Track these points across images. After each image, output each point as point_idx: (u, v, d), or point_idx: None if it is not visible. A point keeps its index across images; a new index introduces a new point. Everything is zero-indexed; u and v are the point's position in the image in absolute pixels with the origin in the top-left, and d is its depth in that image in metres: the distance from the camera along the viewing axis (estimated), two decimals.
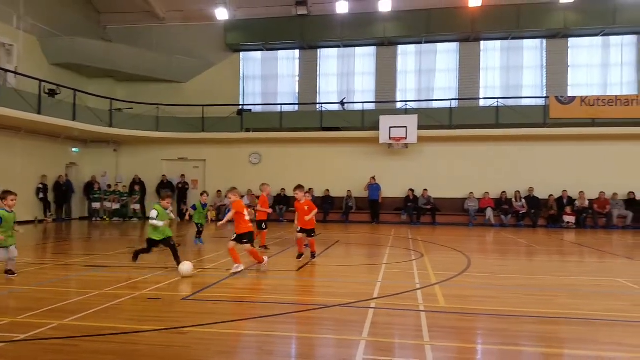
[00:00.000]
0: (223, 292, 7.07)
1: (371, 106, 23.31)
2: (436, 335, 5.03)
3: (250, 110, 24.13)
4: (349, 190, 22.00)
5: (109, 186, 22.92)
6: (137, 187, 22.89)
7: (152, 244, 8.75)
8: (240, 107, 24.08)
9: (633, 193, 19.97)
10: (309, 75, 24.50)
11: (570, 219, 19.77)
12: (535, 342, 4.99)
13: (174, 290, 7.07)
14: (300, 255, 10.20)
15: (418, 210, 21.09)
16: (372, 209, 21.50)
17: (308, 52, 24.47)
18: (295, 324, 5.58)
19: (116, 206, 22.52)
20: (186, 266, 8.13)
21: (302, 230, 10.16)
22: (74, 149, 22.91)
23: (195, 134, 22.88)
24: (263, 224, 11.82)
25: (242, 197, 22.18)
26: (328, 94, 24.38)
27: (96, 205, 22.44)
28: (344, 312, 5.94)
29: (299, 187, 10.30)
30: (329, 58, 24.56)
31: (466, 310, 6.14)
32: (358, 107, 23.31)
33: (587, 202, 20.01)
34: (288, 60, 24.95)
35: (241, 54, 25.03)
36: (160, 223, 8.52)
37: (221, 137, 22.83)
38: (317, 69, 24.48)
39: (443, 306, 6.29)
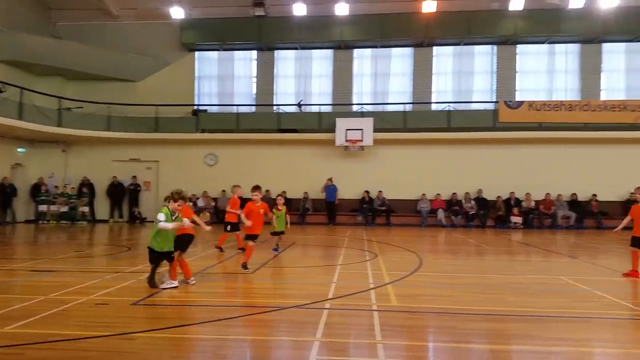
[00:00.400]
0: (174, 296, 6.94)
1: (328, 108, 23.47)
2: (388, 334, 5.13)
3: (205, 110, 23.81)
4: (305, 192, 22.05)
5: (57, 188, 22.08)
6: (85, 189, 22.14)
7: (154, 256, 7.32)
8: (196, 107, 23.72)
9: (576, 194, 20.95)
10: (266, 77, 24.42)
11: (517, 219, 20.52)
12: (484, 339, 5.16)
13: (123, 295, 6.89)
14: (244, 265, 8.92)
15: (373, 212, 21.38)
16: (328, 210, 21.63)
17: (265, 53, 24.39)
18: (249, 327, 5.56)
19: (64, 209, 21.70)
20: None
21: (249, 237, 9.04)
22: (19, 149, 21.91)
23: (148, 135, 22.35)
24: (228, 226, 11.64)
25: (194, 200, 21.88)
26: (285, 95, 24.37)
27: (43, 207, 21.53)
28: (299, 314, 5.96)
29: (257, 187, 9.45)
30: (286, 60, 24.55)
31: (417, 309, 6.29)
32: (315, 109, 23.43)
33: (533, 203, 20.83)
34: (245, 61, 24.78)
35: (197, 53, 24.66)
36: (169, 225, 7.15)
37: (175, 137, 22.41)
38: (274, 70, 24.43)
39: (395, 305, 6.42)
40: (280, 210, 11.65)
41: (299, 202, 22.04)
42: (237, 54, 24.68)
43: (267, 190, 22.17)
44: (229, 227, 11.61)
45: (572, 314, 6.14)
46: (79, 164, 23.01)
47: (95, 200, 22.53)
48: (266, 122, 22.80)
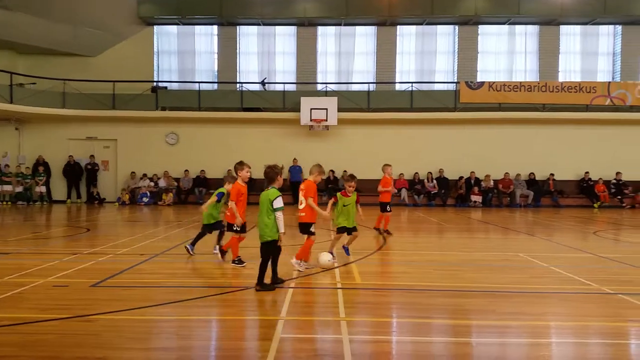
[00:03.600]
0: (136, 277, 6.81)
1: (292, 87, 23.25)
2: (352, 311, 5.19)
3: (165, 87, 23.17)
4: None
5: (8, 167, 21.19)
6: (41, 169, 21.33)
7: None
8: (155, 83, 23.04)
9: (534, 174, 21.61)
10: (228, 53, 23.91)
11: (477, 198, 21.04)
12: (445, 314, 5.29)
13: (83, 277, 6.71)
14: (237, 261, 7.66)
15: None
16: (293, 190, 21.56)
17: (227, 29, 23.84)
18: (213, 307, 5.52)
19: (19, 189, 20.88)
20: (325, 257, 7.32)
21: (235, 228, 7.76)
22: None
23: (105, 112, 21.62)
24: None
25: (155, 180, 21.44)
26: (248, 73, 23.97)
27: None
28: (263, 293, 5.95)
29: (243, 164, 8.13)
30: (249, 36, 24.10)
31: (381, 286, 6.38)
32: (279, 87, 23.15)
33: (492, 183, 21.38)
34: (206, 36, 24.17)
35: (155, 27, 23.87)
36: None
37: (134, 115, 21.75)
38: (237, 46, 23.94)
39: (359, 283, 6.50)
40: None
41: (262, 183, 21.89)
42: (198, 28, 24.05)
43: (228, 170, 21.94)
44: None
45: (529, 289, 6.36)
46: (34, 142, 22.10)
47: (51, 180, 21.75)
48: (229, 100, 22.40)
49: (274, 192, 6.10)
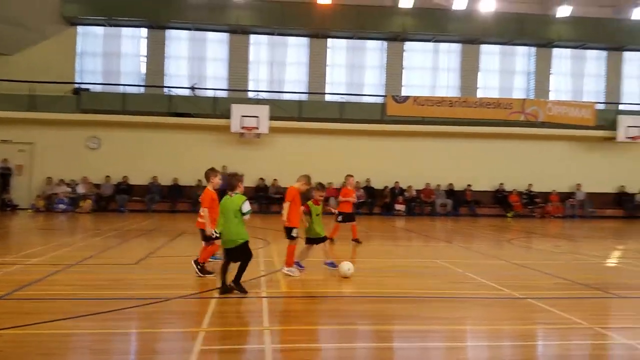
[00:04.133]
0: (47, 289, 6.42)
1: (223, 93, 22.96)
2: (276, 320, 5.20)
3: (88, 89, 22.12)
4: (199, 180, 21.42)
5: None
6: None
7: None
8: (77, 85, 21.93)
9: (452, 184, 22.67)
10: (156, 57, 23.22)
11: (401, 207, 21.76)
12: (368, 320, 5.42)
13: None
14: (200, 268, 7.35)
15: (268, 200, 21.41)
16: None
17: (156, 32, 23.18)
18: (132, 320, 5.32)
19: None
20: (345, 266, 7.29)
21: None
22: None
23: (21, 113, 20.25)
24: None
25: (73, 186, 20.36)
26: (177, 77, 23.41)
27: None
28: (185, 304, 5.82)
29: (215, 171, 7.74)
30: (179, 40, 23.57)
31: (306, 293, 6.43)
32: (210, 93, 22.78)
33: (415, 192, 22.21)
34: (133, 39, 23.36)
35: (79, 27, 22.76)
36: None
37: (53, 117, 20.53)
38: (165, 50, 23.33)
39: (284, 291, 6.51)
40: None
41: (192, 190, 21.38)
42: (125, 30, 23.20)
43: (154, 177, 21.27)
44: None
45: (448, 294, 6.66)
46: None
47: None
48: (156, 104, 21.73)
49: (239, 197, 6.35)
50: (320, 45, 23.78)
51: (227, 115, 21.18)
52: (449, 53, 24.55)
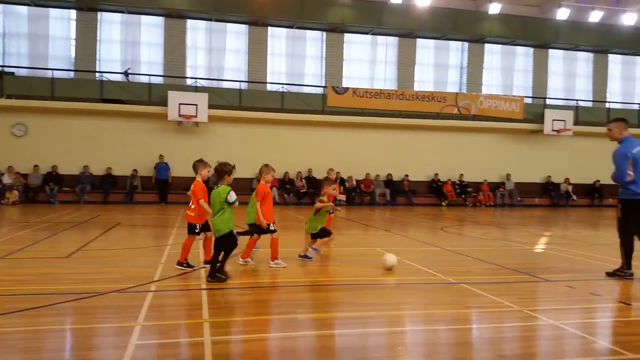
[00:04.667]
0: None
1: (159, 80, 22.25)
2: (216, 312, 5.14)
3: (12, 73, 20.76)
4: (134, 170, 20.71)
5: None
6: None
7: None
8: (0, 68, 20.50)
9: (391, 175, 23.23)
10: (87, 40, 22.12)
11: (341, 197, 22.02)
12: (308, 309, 5.48)
13: None
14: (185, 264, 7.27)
15: (209, 190, 21.00)
16: (159, 189, 20.66)
17: (86, 14, 22.06)
18: (64, 316, 5.08)
19: None
20: (390, 258, 7.37)
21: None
22: None
23: None
24: None
25: (2, 174, 19.16)
26: (110, 62, 22.45)
27: None
28: (120, 298, 5.63)
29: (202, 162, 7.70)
30: (111, 23, 22.56)
31: (246, 284, 6.40)
32: (144, 79, 21.99)
33: (355, 182, 22.58)
34: (62, 21, 22.13)
35: (1, 6, 21.26)
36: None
37: None
38: (97, 33, 22.25)
39: (224, 283, 6.43)
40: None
41: (126, 180, 20.64)
42: (53, 11, 21.91)
43: (85, 166, 20.35)
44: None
45: (385, 281, 6.85)
46: None
47: None
48: (87, 90, 20.74)
49: (225, 188, 6.56)
50: (261, 33, 23.52)
51: (163, 103, 20.57)
52: (387, 46, 25.00)
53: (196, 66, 23.29)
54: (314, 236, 8.22)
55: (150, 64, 22.75)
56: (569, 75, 27.08)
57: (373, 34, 24.61)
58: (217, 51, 23.43)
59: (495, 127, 24.11)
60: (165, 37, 22.87)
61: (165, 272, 7.00)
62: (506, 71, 26.48)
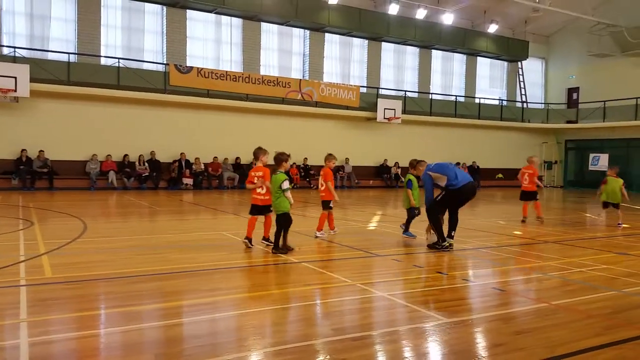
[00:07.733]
0: None
1: None
2: (37, 310, 4.63)
3: None
4: None
5: None
6: None
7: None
8: None
9: (239, 158, 23.13)
10: None
11: (188, 181, 21.38)
12: (150, 299, 5.23)
13: None
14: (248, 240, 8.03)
15: (32, 174, 18.70)
16: None
17: None
18: None
19: None
20: None
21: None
22: None
23: None
24: None
25: None
26: None
27: None
28: None
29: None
30: None
31: (76, 278, 5.89)
32: None
33: (202, 166, 22.03)
34: None
35: None
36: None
37: None
38: None
39: (50, 277, 5.84)
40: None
41: None
42: None
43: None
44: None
45: (230, 265, 6.86)
46: None
47: None
48: None
49: (281, 175, 7.76)
50: (92, 2, 21.33)
51: None
52: (231, 27, 24.53)
53: (15, 33, 20.34)
54: (412, 212, 9.26)
55: None
56: (399, 68, 29.51)
57: (217, 13, 23.91)
58: (41, 18, 20.70)
59: (335, 114, 25.35)
60: None
61: None
62: (344, 61, 27.84)
